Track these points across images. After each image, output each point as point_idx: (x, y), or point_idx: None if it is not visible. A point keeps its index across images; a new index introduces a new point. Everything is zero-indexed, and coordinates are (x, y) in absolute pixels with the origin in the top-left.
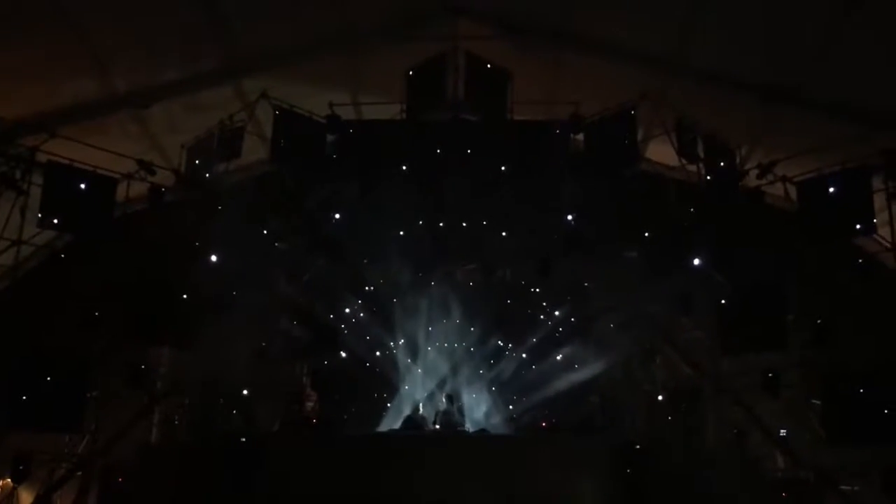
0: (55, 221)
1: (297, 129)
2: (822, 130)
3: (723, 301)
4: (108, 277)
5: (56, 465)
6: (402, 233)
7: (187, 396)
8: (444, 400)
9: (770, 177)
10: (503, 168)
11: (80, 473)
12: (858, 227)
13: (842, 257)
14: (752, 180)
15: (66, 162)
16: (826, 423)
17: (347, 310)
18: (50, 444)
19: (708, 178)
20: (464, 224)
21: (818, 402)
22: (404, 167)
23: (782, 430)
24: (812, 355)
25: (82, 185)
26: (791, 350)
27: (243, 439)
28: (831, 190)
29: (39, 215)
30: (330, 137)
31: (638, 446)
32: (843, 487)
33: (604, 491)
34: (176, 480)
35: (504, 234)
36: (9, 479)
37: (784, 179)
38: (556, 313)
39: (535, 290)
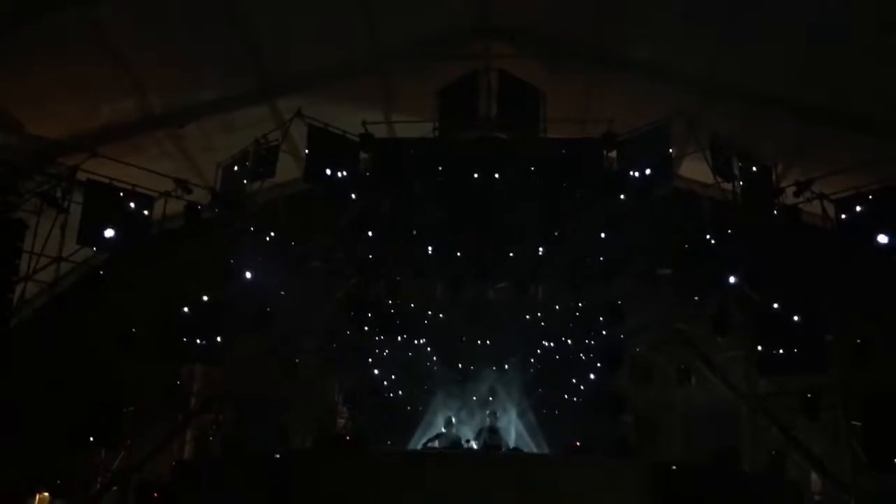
0: (94, 239)
1: (330, 148)
2: (861, 147)
3: (760, 320)
4: (144, 294)
5: (92, 480)
6: (434, 250)
7: (220, 413)
8: (487, 418)
9: (807, 194)
10: (535, 186)
11: (115, 488)
12: None
13: (881, 275)
14: (788, 198)
15: (106, 181)
16: (867, 446)
17: (380, 326)
18: (86, 459)
19: (743, 195)
20: (495, 242)
21: (858, 424)
22: (436, 185)
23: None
24: (851, 376)
25: (121, 204)
26: (830, 371)
27: (277, 456)
28: (870, 207)
29: (79, 233)
30: (363, 156)
31: (673, 467)
32: None
33: None
34: (210, 496)
35: (536, 252)
36: (46, 494)
37: (821, 197)
38: (589, 331)
39: (567, 308)
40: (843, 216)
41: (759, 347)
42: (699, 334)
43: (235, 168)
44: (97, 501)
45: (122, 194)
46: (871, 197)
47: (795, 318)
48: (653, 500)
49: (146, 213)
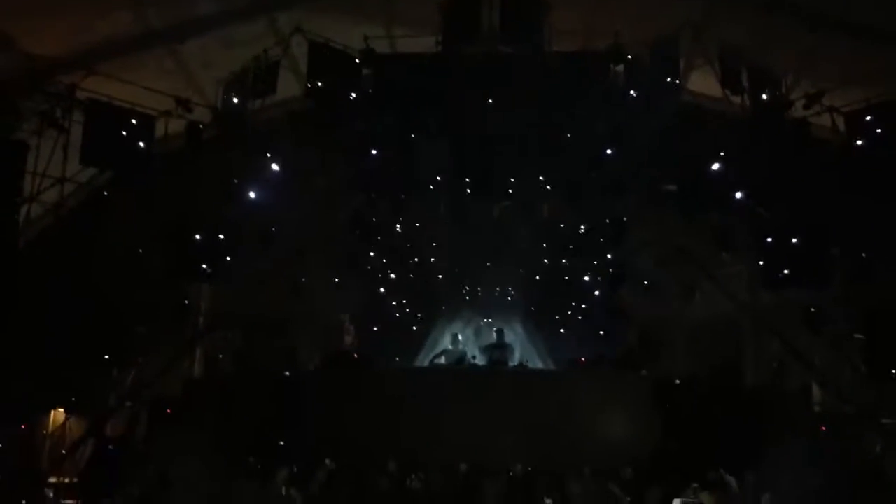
0: (96, 159)
1: (331, 64)
2: (872, 58)
3: (764, 235)
4: (149, 214)
5: (106, 397)
6: (438, 167)
7: (229, 332)
8: (493, 335)
9: (817, 107)
10: (541, 101)
11: (129, 404)
12: None
13: (888, 190)
14: (798, 111)
15: (106, 99)
16: (867, 358)
17: (385, 244)
18: (100, 376)
19: (752, 109)
20: (500, 158)
21: (860, 337)
22: (440, 101)
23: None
24: (855, 290)
25: (122, 123)
26: (833, 285)
27: (286, 373)
28: (880, 121)
29: (81, 153)
30: (365, 71)
31: (677, 381)
32: (883, 421)
33: (643, 425)
34: (220, 413)
35: (541, 168)
36: (61, 410)
37: (831, 110)
38: (594, 248)
39: (572, 225)
40: (852, 129)
41: (762, 262)
42: (703, 250)
43: (236, 85)
44: (112, 417)
45: (122, 113)
46: (881, 109)
47: (800, 232)
48: (658, 414)
49: (148, 132)
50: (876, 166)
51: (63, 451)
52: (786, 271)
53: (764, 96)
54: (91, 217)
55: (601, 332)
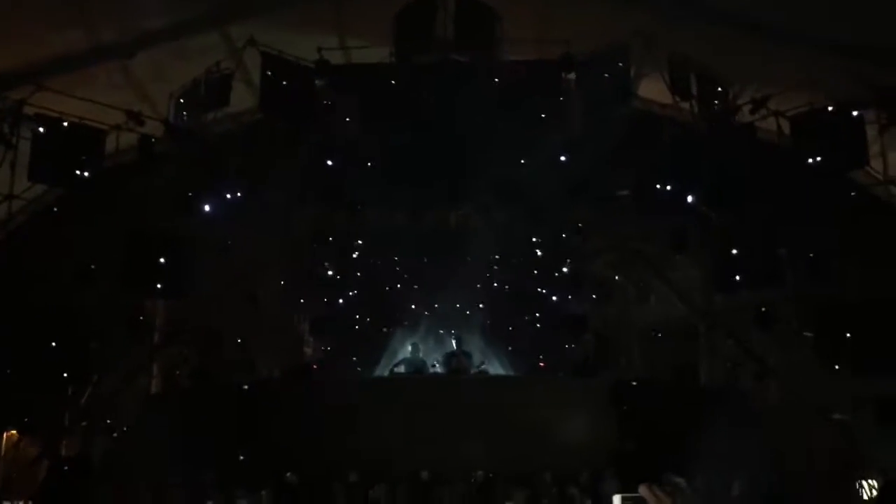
0: (45, 176)
1: (285, 76)
2: (815, 65)
3: (716, 238)
4: (101, 230)
5: (60, 416)
6: (394, 176)
7: (186, 347)
8: (453, 342)
9: (763, 112)
10: (494, 109)
11: (84, 424)
12: (851, 160)
13: (835, 190)
14: (745, 116)
15: (55, 115)
16: (818, 355)
17: (342, 255)
18: (54, 395)
19: (701, 114)
20: (456, 166)
21: (810, 335)
22: (395, 110)
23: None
24: (805, 289)
25: (71, 139)
26: (785, 285)
27: (245, 387)
28: (824, 124)
29: (29, 169)
30: (319, 83)
31: (633, 383)
32: (835, 416)
33: (600, 428)
34: (179, 430)
35: (497, 175)
36: (14, 431)
37: (777, 114)
38: (550, 254)
39: (529, 231)
40: (797, 132)
41: (715, 264)
42: (656, 253)
43: (188, 98)
44: (66, 436)
45: (72, 129)
46: (824, 113)
47: (751, 234)
48: (616, 416)
49: (98, 147)
50: (820, 167)
51: (15, 474)
52: (736, 272)
53: (712, 101)
54: (41, 233)
55: (558, 337)
